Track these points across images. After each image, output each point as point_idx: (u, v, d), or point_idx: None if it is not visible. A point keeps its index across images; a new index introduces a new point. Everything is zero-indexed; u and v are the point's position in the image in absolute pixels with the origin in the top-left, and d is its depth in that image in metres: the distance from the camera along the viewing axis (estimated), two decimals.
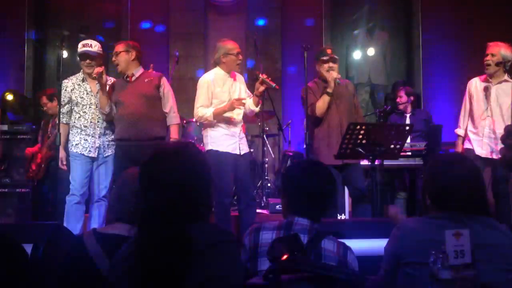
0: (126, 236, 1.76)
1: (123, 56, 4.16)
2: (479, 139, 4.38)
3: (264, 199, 5.38)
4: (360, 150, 3.64)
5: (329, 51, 4.32)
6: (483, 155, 4.35)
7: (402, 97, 5.35)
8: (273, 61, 6.83)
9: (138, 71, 4.20)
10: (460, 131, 4.55)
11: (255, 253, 1.84)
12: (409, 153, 4.94)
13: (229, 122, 4.15)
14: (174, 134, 4.20)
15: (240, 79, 4.30)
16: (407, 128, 3.76)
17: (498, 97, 4.33)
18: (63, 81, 4.19)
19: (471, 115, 4.48)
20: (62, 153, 4.14)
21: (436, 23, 6.87)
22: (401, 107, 5.38)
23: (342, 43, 7.41)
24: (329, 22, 7.20)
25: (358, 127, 3.63)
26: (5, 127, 4.86)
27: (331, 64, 4.24)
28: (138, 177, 1.42)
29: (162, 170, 1.39)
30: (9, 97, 5.66)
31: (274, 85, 4.04)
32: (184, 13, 6.90)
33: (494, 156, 4.31)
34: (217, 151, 4.10)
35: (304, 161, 2.35)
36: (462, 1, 6.75)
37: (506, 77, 4.34)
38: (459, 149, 4.52)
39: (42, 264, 2.12)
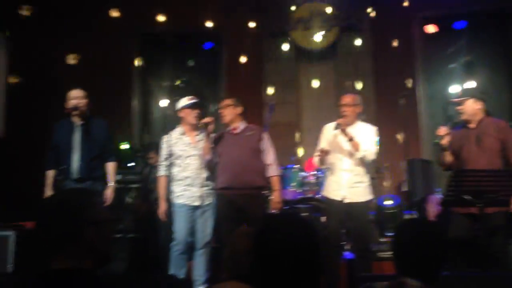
0: None
1: (230, 109, 4.42)
2: None
3: None
4: (468, 197, 3.49)
5: (460, 93, 4.21)
6: None
7: None
8: (367, 105, 6.77)
9: (242, 125, 4.43)
10: None
11: None
12: None
13: (334, 168, 4.26)
14: (276, 186, 4.35)
15: (360, 127, 4.30)
16: None
17: None
18: (164, 136, 4.48)
19: None
20: (164, 206, 4.31)
21: None
22: None
23: (438, 80, 7.23)
24: (422, 60, 7.08)
25: (464, 173, 3.50)
26: (119, 177, 5.23)
27: (458, 107, 4.10)
28: (253, 247, 1.50)
29: (276, 240, 1.47)
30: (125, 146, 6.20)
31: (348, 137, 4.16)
32: (277, 61, 7.14)
33: None
34: (324, 196, 4.34)
35: (413, 221, 2.29)
36: None
37: None
38: None
39: None
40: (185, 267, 4.23)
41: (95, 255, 1.49)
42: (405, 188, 5.53)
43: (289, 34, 7.11)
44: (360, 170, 4.22)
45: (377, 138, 4.28)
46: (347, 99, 4.32)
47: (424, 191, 5.49)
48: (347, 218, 4.15)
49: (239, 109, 4.43)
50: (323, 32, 7.00)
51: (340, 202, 4.17)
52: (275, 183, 4.36)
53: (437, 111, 7.07)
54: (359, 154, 4.18)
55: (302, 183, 5.33)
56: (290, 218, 1.55)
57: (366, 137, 4.23)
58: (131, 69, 7.33)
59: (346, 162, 4.22)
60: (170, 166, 4.40)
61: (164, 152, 4.40)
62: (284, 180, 5.34)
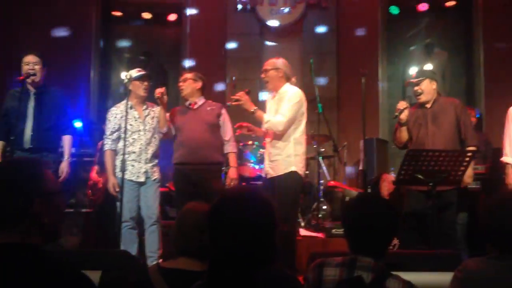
0: (190, 271, 1.83)
1: (191, 83, 4.34)
2: None
3: (320, 222, 5.33)
4: (420, 176, 3.58)
5: (413, 75, 4.21)
6: None
7: None
8: (329, 83, 6.83)
9: (201, 100, 4.36)
10: (508, 159, 4.25)
11: None
12: None
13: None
14: (233, 162, 4.33)
15: (283, 93, 4.05)
16: (469, 154, 3.65)
17: None
18: (112, 109, 4.32)
19: None
20: (113, 180, 4.15)
21: (498, 40, 6.65)
22: None
23: (399, 61, 7.34)
24: (384, 41, 7.15)
25: (418, 153, 3.57)
26: (72, 150, 5.07)
27: (415, 88, 4.13)
28: (207, 223, 1.47)
29: (228, 217, 1.44)
30: (78, 124, 5.98)
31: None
32: (240, 37, 7.06)
33: None
34: None
35: (362, 196, 2.31)
36: None
37: None
38: (510, 179, 4.20)
39: None
40: (136, 243, 4.15)
41: (42, 229, 1.41)
42: (361, 167, 5.63)
43: (255, 9, 7.03)
44: (277, 142, 3.96)
45: (292, 103, 3.92)
46: (266, 64, 4.12)
47: (378, 170, 5.61)
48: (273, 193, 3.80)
49: (198, 84, 4.35)
50: (288, 8, 6.95)
51: (265, 178, 4.07)
52: (232, 159, 4.34)
53: (396, 91, 7.21)
54: (264, 126, 4.02)
55: (261, 160, 5.33)
56: (245, 194, 1.51)
57: (283, 104, 3.94)
58: (90, 40, 7.11)
59: (268, 137, 4.08)
60: (117, 140, 4.23)
61: (110, 125, 4.23)
62: (245, 156, 5.34)
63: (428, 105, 4.11)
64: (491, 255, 1.84)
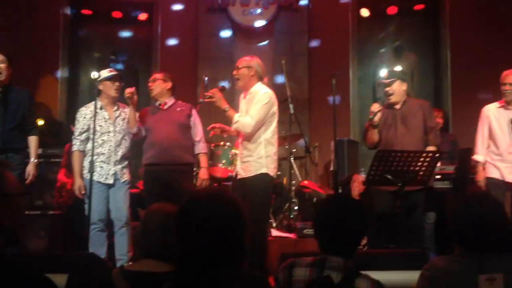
0: (155, 273, 1.80)
1: (160, 83, 4.30)
2: (507, 166, 4.30)
3: (291, 223, 5.35)
4: (389, 177, 3.63)
5: (385, 75, 4.27)
6: (510, 180, 4.28)
7: None
8: (300, 84, 6.86)
9: (171, 101, 4.33)
10: (479, 157, 4.43)
11: None
12: (439, 176, 4.89)
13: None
14: (204, 163, 4.31)
15: (254, 92, 3.99)
16: (437, 154, 3.72)
17: None
18: (81, 109, 4.23)
19: (494, 142, 4.38)
20: (80, 182, 4.07)
21: (465, 43, 6.81)
22: None
23: (369, 63, 7.43)
24: (355, 43, 7.22)
25: (387, 154, 3.62)
26: (39, 151, 4.96)
27: (386, 89, 4.18)
28: (175, 224, 1.45)
29: (197, 218, 1.42)
30: (40, 122, 5.82)
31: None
32: (212, 37, 7.02)
33: None
34: None
35: (333, 197, 2.33)
36: (492, 22, 6.69)
37: None
38: (481, 176, 4.39)
39: None
40: (105, 246, 4.09)
41: (1, 231, 1.36)
42: (332, 167, 5.67)
43: (227, 9, 7.00)
44: (248, 143, 3.90)
45: (262, 104, 3.85)
46: (239, 62, 4.07)
47: (349, 171, 5.66)
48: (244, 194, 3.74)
49: (168, 84, 4.32)
50: (260, 9, 6.95)
51: (235, 178, 4.04)
52: (203, 161, 4.32)
53: (366, 93, 7.30)
54: (232, 126, 3.95)
55: (233, 161, 5.30)
56: (213, 195, 1.50)
57: (252, 105, 3.88)
58: (59, 38, 6.95)
59: (240, 137, 4.02)
60: (85, 140, 4.14)
61: (79, 126, 4.15)
62: (216, 157, 5.30)
63: (398, 106, 4.17)
64: (457, 253, 1.87)
